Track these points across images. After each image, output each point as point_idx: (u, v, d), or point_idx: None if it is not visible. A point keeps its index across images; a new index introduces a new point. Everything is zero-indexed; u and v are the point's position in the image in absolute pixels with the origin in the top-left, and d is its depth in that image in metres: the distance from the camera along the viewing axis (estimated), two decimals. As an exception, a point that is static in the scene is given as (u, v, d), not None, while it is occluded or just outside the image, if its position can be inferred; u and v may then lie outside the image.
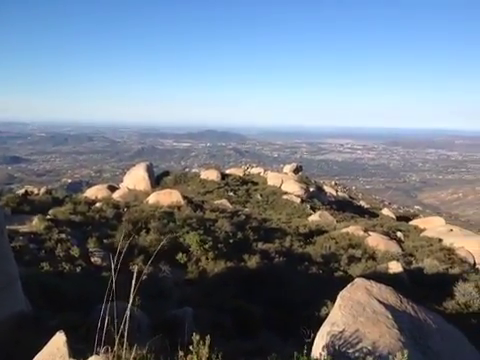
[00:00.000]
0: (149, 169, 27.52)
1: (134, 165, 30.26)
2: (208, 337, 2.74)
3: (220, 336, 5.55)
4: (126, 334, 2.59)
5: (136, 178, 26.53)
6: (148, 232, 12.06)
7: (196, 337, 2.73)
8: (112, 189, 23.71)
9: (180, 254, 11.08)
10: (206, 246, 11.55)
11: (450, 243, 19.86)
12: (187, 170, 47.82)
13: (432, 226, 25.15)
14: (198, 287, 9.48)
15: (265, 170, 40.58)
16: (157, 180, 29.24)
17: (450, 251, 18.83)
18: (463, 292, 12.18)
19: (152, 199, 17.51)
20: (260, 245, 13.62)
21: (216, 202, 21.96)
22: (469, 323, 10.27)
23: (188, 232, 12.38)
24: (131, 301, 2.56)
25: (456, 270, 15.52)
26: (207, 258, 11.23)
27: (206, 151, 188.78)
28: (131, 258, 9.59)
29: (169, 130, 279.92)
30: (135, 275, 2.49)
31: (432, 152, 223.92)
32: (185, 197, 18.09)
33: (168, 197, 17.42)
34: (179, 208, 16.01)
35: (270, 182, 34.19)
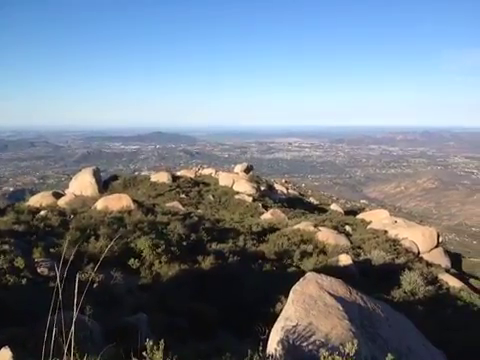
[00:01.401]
0: (96, 174, 26.65)
1: (80, 170, 29.15)
2: (162, 341, 2.70)
3: (176, 340, 5.49)
4: (73, 344, 2.49)
5: (82, 183, 25.59)
6: (97, 239, 11.67)
7: (149, 342, 2.68)
8: (57, 196, 22.71)
9: (132, 259, 10.82)
10: (159, 250, 11.35)
11: (395, 234, 20.86)
12: (136, 173, 46.77)
13: (377, 219, 26.28)
14: (152, 292, 9.30)
15: (216, 171, 40.60)
16: (105, 185, 28.38)
17: (395, 242, 19.78)
18: (409, 280, 12.87)
19: (100, 204, 16.96)
20: (214, 246, 13.59)
21: (168, 205, 21.66)
22: (415, 309, 10.86)
23: (139, 237, 12.11)
24: (77, 309, 2.46)
25: (402, 260, 16.35)
26: (160, 262, 11.04)
27: (156, 153, 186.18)
28: (80, 266, 9.25)
29: (116, 133, 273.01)
30: (77, 283, 2.40)
31: (375, 148, 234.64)
32: (135, 201, 17.69)
33: (117, 202, 16.95)
34: (129, 212, 15.63)
35: (222, 182, 34.24)
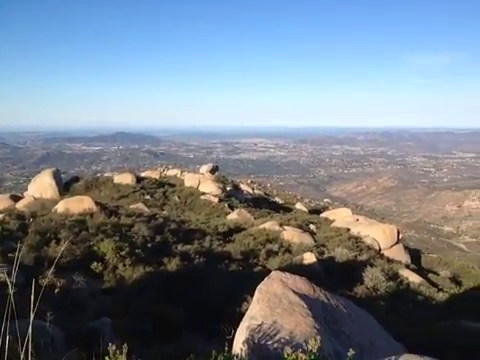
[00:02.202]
0: (56, 175, 25.84)
1: (39, 172, 28.16)
2: (125, 345, 2.65)
3: (141, 343, 5.41)
4: (32, 351, 2.41)
5: (42, 186, 24.75)
6: (58, 242, 11.33)
7: (112, 347, 2.63)
8: (15, 199, 21.88)
9: (95, 263, 10.56)
10: (122, 253, 11.14)
11: (357, 232, 21.41)
12: (99, 175, 45.70)
13: (340, 217, 26.88)
14: (116, 295, 9.12)
15: (182, 171, 40.31)
16: (66, 187, 27.57)
17: (357, 239, 20.30)
18: (371, 277, 13.24)
19: (61, 207, 16.45)
20: (179, 247, 13.48)
21: (132, 206, 21.29)
22: (377, 305, 11.18)
23: (102, 239, 11.84)
24: (33, 314, 2.38)
25: (364, 257, 16.78)
26: (124, 265, 10.84)
27: (119, 154, 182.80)
28: (41, 271, 8.95)
29: (77, 133, 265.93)
30: (33, 287, 2.32)
31: (337, 148, 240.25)
32: (98, 203, 17.27)
33: (79, 204, 16.49)
34: (92, 215, 15.24)
35: (187, 183, 34.01)
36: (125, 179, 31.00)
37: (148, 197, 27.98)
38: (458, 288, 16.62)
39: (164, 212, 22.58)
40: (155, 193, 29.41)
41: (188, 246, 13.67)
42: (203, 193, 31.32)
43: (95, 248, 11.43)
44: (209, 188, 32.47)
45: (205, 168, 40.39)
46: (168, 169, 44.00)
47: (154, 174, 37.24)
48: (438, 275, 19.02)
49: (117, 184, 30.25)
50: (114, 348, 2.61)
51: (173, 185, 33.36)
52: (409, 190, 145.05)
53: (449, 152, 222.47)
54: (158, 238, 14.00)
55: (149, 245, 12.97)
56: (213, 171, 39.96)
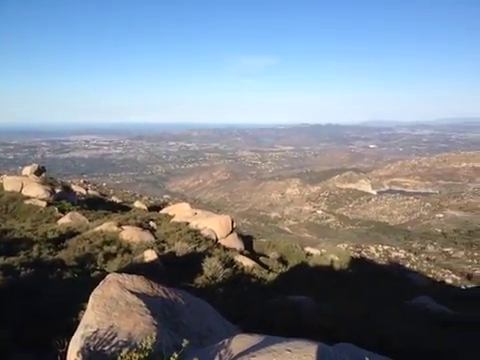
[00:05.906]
0: None
1: None
2: None
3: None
4: None
5: None
6: None
7: None
8: None
9: None
10: None
11: (196, 225, 22.13)
12: None
13: (180, 212, 27.40)
14: None
15: (0, 175, 35.55)
16: None
17: (196, 232, 21.00)
18: (209, 266, 13.90)
19: None
20: (1, 260, 11.92)
21: None
22: (217, 292, 11.81)
23: None
24: None
25: (202, 248, 17.48)
26: None
27: None
28: None
29: None
30: None
31: (173, 144, 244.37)
32: None
33: None
34: None
35: (8, 188, 30.09)
36: None
37: (-43, 207, 23.90)
38: (285, 267, 18.73)
39: (-21, 222, 19.61)
40: (-34, 201, 25.30)
41: (12, 258, 12.19)
42: (28, 197, 28.15)
43: None
44: (35, 191, 29.35)
45: (29, 169, 36.30)
46: (-18, 173, 38.26)
47: (-37, 179, 31.93)
48: (268, 257, 21.04)
49: None
50: None
51: (-11, 191, 29.15)
52: (240, 182, 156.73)
53: (272, 146, 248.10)
54: (-28, 253, 12.13)
55: (-39, 262, 11.14)
56: (39, 172, 36.21)
